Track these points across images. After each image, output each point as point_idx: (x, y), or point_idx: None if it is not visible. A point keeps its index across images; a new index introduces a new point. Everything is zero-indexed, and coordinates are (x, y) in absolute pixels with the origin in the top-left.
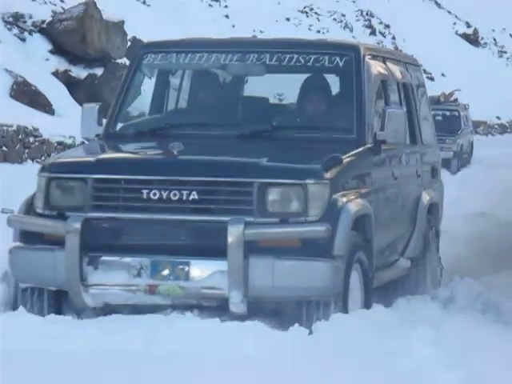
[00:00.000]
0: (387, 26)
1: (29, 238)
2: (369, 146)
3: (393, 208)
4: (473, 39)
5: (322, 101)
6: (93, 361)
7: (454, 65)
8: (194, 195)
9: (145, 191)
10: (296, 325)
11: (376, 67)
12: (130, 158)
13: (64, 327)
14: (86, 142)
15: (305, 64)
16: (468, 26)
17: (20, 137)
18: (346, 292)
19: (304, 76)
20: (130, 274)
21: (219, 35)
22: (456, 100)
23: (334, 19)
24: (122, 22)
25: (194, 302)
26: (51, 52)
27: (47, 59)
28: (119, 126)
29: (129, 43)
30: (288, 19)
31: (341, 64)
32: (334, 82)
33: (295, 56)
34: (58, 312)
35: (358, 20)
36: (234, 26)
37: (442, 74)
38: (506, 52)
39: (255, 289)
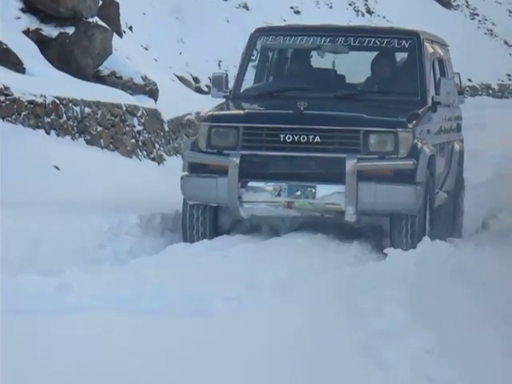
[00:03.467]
0: None
1: (195, 168)
2: (429, 105)
3: (440, 153)
4: (445, 1)
5: (392, 72)
6: (73, 318)
7: (425, 27)
8: (318, 139)
9: (281, 135)
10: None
11: (429, 48)
12: (269, 112)
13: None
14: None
15: (379, 45)
16: None
17: None
18: (425, 210)
19: (378, 54)
20: (272, 194)
21: None
22: None
23: None
24: None
25: (318, 214)
26: (22, 10)
27: (18, 18)
28: (242, 89)
29: (100, 2)
30: None
31: (407, 46)
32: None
33: (372, 39)
34: (216, 222)
35: None
36: None
37: None
38: (477, 14)
39: (362, 204)
